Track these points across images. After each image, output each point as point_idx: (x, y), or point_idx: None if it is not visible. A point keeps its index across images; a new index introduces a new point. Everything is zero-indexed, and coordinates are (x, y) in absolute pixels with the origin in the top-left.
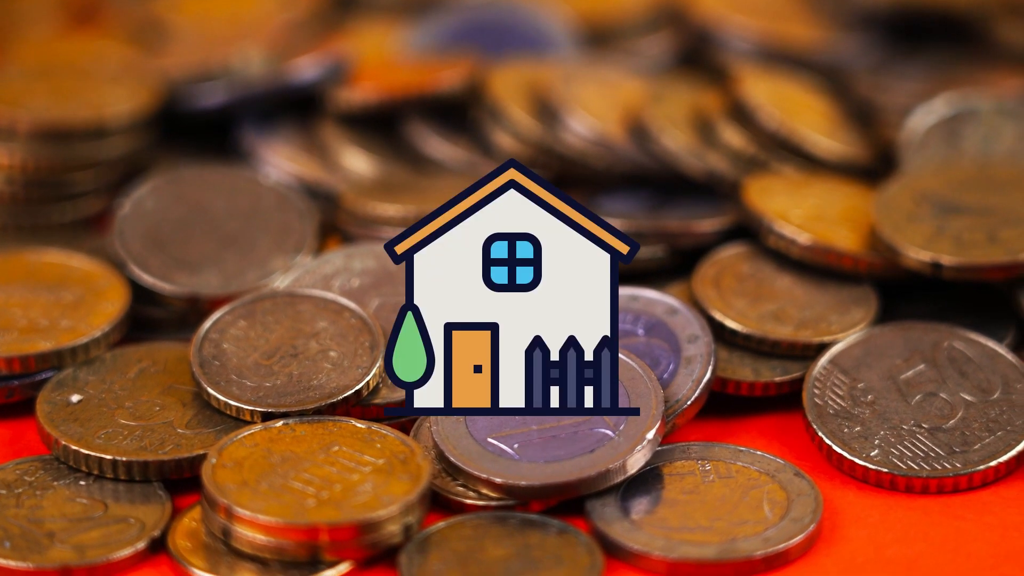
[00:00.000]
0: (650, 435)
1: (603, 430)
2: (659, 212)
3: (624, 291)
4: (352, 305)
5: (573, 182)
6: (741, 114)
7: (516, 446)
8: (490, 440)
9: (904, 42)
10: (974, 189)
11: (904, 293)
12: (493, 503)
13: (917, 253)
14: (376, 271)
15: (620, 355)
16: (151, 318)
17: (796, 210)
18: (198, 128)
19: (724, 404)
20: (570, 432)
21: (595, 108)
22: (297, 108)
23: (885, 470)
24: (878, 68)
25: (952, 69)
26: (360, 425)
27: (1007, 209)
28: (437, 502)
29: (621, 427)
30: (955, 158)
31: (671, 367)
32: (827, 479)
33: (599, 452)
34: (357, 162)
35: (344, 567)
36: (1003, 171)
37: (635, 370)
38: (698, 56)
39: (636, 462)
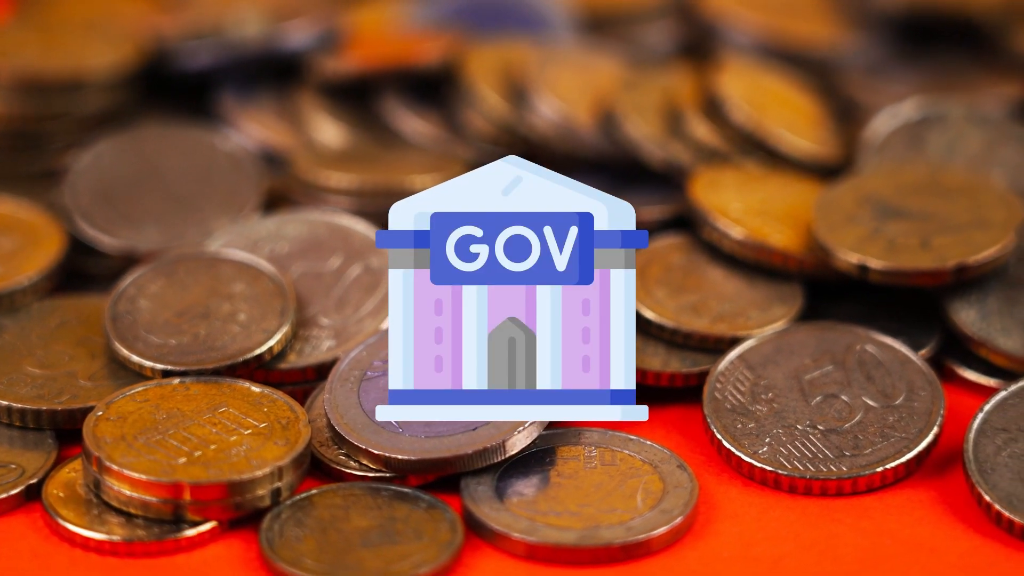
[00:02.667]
0: None
1: None
2: None
3: None
4: (270, 270)
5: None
6: (712, 107)
7: (401, 419)
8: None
9: (915, 44)
10: (921, 194)
11: (837, 294)
12: (371, 474)
13: (846, 254)
14: (306, 239)
15: None
16: (90, 273)
17: (736, 204)
18: (185, 89)
19: (642, 394)
20: None
21: (567, 92)
22: (280, 74)
23: (769, 468)
24: (879, 68)
25: (956, 74)
26: (255, 389)
27: (947, 217)
28: (320, 470)
29: None
30: (910, 162)
31: None
32: (716, 474)
33: (481, 431)
34: (329, 132)
35: (207, 526)
36: (954, 178)
37: None
38: (698, 48)
39: (517, 443)
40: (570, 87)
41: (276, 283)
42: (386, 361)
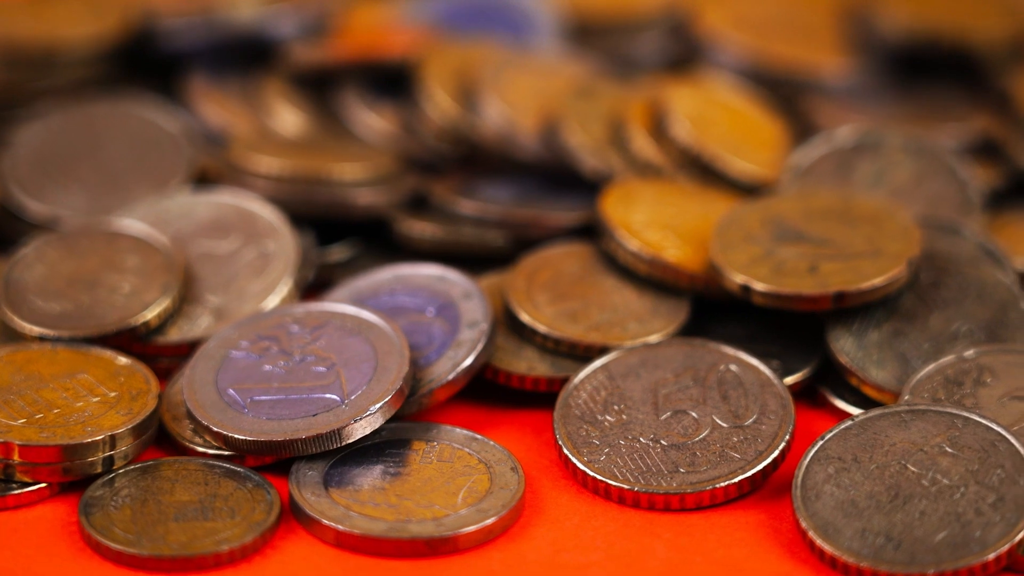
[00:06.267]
0: (374, 408)
1: (333, 396)
2: (522, 202)
3: (433, 270)
4: (165, 246)
5: (476, 166)
6: (658, 121)
7: (250, 400)
8: (229, 391)
9: (911, 73)
10: (826, 220)
11: (728, 313)
12: (212, 451)
13: (733, 275)
14: (214, 219)
15: (384, 324)
16: (16, 240)
17: (640, 216)
18: (158, 66)
19: (511, 396)
20: (305, 394)
21: (520, 97)
22: (253, 59)
23: (600, 478)
24: (863, 95)
25: (941, 106)
26: (121, 360)
27: (843, 244)
28: (170, 443)
29: (353, 396)
30: (826, 188)
31: (441, 348)
32: (554, 479)
33: (320, 417)
34: (288, 121)
35: (35, 488)
36: (865, 206)
37: (393, 343)
38: (685, 63)
39: (355, 431)
40: (524, 93)
41: (167, 259)
42: (252, 342)
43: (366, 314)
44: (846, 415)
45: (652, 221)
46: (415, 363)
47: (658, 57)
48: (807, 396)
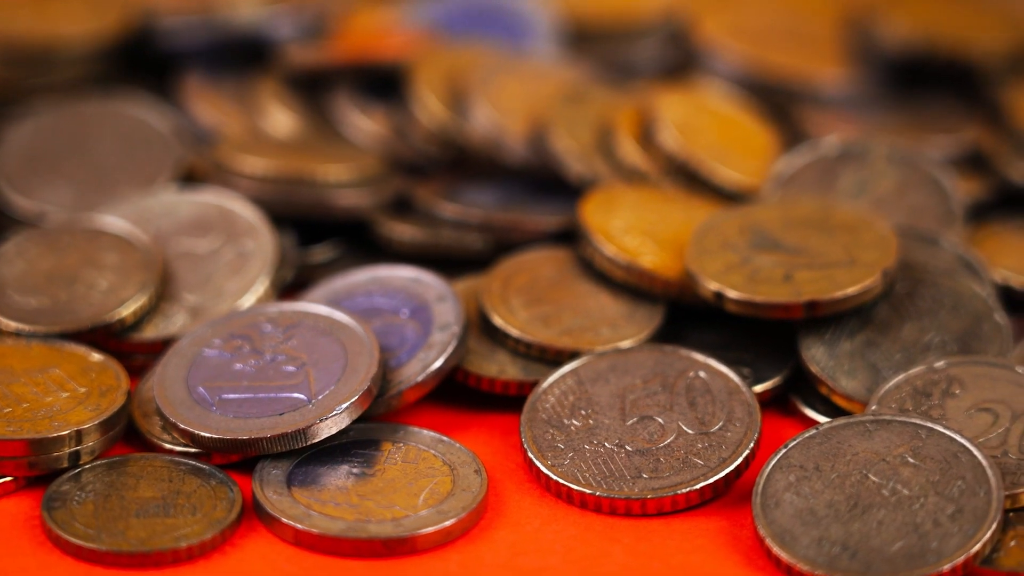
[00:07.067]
0: (341, 408)
1: (301, 395)
2: (504, 206)
3: (409, 272)
4: (144, 244)
5: (463, 170)
6: (646, 128)
7: (219, 398)
8: (199, 388)
9: (910, 84)
10: (805, 229)
11: (704, 320)
12: (179, 448)
13: (707, 282)
14: (196, 218)
15: (355, 325)
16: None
17: (619, 222)
18: (155, 65)
19: (483, 399)
20: (273, 393)
21: (509, 102)
22: (249, 59)
23: (563, 482)
24: (857, 105)
25: (936, 117)
26: (94, 357)
27: (820, 253)
28: (139, 440)
29: (320, 396)
30: (807, 196)
31: (412, 350)
32: (518, 483)
33: (287, 416)
34: (281, 122)
35: (2, 481)
36: (844, 216)
37: (363, 344)
38: (682, 70)
39: (320, 431)
40: (513, 97)
41: (146, 257)
42: (225, 340)
43: (338, 315)
44: (815, 424)
45: (631, 227)
46: (386, 364)
47: (656, 64)
48: (780, 405)
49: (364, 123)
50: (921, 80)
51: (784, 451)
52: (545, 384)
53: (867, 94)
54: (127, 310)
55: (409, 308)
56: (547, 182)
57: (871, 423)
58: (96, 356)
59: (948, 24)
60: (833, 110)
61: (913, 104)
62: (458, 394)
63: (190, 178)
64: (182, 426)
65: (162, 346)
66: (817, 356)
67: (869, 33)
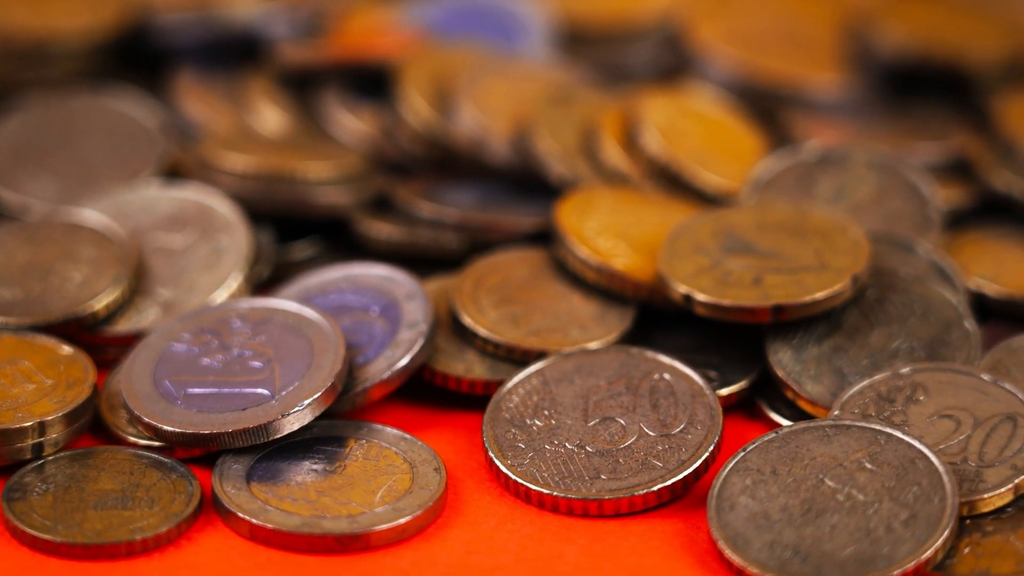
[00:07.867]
0: (303, 404)
1: (264, 391)
2: (482, 206)
3: (381, 270)
4: (121, 238)
5: (447, 170)
6: (630, 131)
7: (184, 392)
8: (165, 382)
9: (905, 91)
10: (777, 233)
11: (676, 323)
12: (143, 441)
13: (677, 284)
14: (174, 214)
15: (323, 322)
16: None
17: (594, 224)
18: (148, 60)
19: (451, 398)
20: (238, 388)
21: (495, 104)
22: (241, 57)
23: (521, 482)
24: (848, 111)
25: (926, 124)
26: (64, 349)
27: (790, 257)
28: (105, 432)
29: (284, 392)
30: (783, 200)
31: (379, 348)
32: (479, 482)
33: (249, 411)
34: (271, 120)
35: None
36: (819, 220)
37: (330, 340)
38: (675, 74)
39: (283, 427)
40: (500, 98)
41: (122, 251)
42: (194, 335)
43: (307, 311)
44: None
45: (606, 229)
46: (352, 361)
47: (651, 68)
48: (747, 408)
49: (351, 122)
50: (916, 87)
51: (742, 454)
52: (510, 384)
53: (860, 100)
54: (100, 303)
55: (379, 306)
56: (530, 183)
57: (831, 428)
58: (66, 349)
59: (944, 31)
60: (824, 115)
61: (905, 110)
62: (425, 393)
63: (174, 174)
64: (146, 419)
65: (134, 340)
66: (784, 360)
67: (865, 39)
